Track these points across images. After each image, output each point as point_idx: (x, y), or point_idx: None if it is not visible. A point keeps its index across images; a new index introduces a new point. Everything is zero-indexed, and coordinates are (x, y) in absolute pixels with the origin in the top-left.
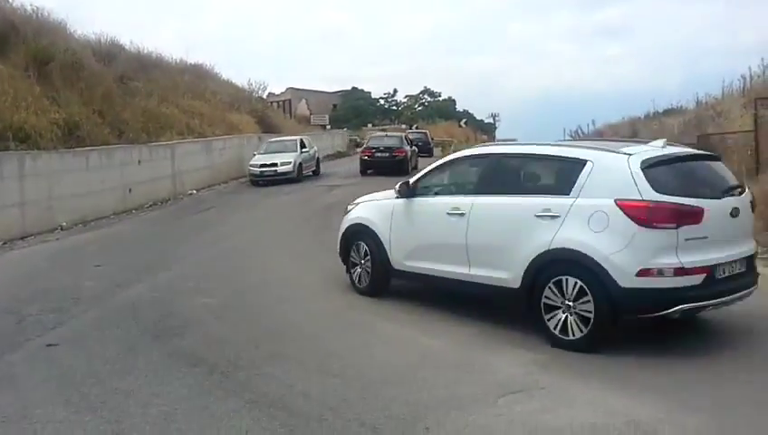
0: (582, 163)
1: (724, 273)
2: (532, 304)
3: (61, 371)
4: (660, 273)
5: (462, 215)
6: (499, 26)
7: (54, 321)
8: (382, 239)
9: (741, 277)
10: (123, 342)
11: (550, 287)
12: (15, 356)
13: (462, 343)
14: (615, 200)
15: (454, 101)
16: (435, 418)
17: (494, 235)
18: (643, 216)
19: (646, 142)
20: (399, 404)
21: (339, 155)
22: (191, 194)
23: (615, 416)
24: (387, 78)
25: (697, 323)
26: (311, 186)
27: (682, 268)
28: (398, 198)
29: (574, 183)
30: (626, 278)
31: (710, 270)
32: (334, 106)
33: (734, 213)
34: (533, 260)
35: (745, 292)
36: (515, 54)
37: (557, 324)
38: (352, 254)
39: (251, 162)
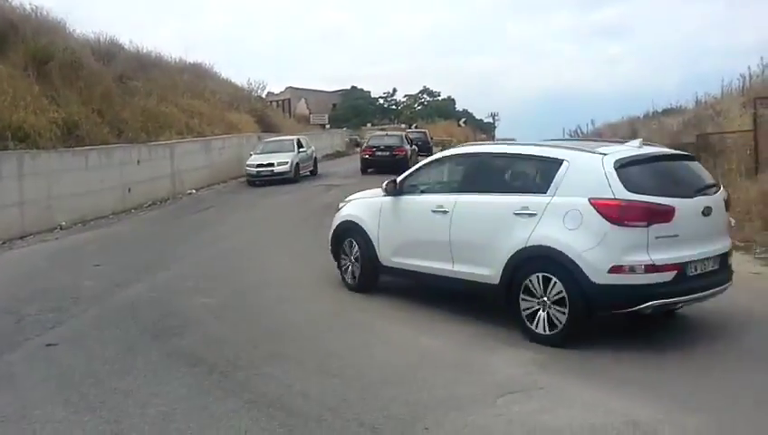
0: (559, 163)
1: (696, 270)
2: (510, 300)
3: (60, 370)
4: (632, 270)
5: (446, 213)
6: (499, 26)
7: (53, 320)
8: (371, 236)
9: (714, 274)
10: (122, 341)
11: (527, 283)
12: (14, 356)
13: (461, 343)
14: (589, 199)
15: (453, 100)
16: (434, 418)
17: (475, 232)
18: (615, 214)
19: (623, 142)
20: (399, 404)
21: (338, 154)
22: (190, 193)
23: (614, 416)
24: (386, 77)
25: (697, 323)
26: (309, 185)
27: (653, 265)
28: (385, 196)
29: (551, 182)
30: (598, 275)
31: (681, 267)
32: (334, 105)
33: (707, 212)
34: (512, 257)
35: (719, 288)
36: (515, 54)
37: (534, 320)
38: (343, 250)
39: (247, 162)
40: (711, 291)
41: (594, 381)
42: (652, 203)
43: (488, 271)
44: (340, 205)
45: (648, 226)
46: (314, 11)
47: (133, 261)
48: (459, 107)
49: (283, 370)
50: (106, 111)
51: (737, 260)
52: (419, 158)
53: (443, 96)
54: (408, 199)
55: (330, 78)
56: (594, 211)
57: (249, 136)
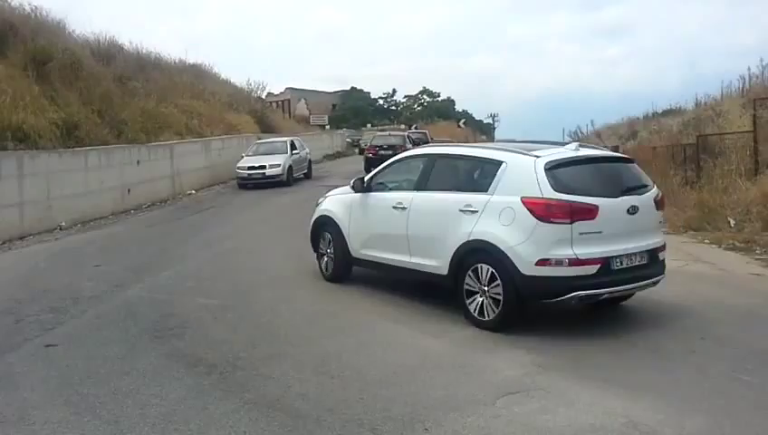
0: (499, 164)
1: (621, 264)
2: (457, 289)
3: (59, 371)
4: (558, 263)
5: (404, 209)
6: (498, 26)
7: (53, 321)
8: (343, 230)
9: (642, 268)
10: (122, 342)
11: (469, 274)
12: (14, 356)
13: (461, 344)
14: (521, 198)
15: (453, 101)
16: (434, 418)
17: (428, 227)
18: (542, 211)
19: (563, 145)
20: (398, 405)
21: (338, 155)
22: (190, 194)
23: (614, 417)
24: (386, 78)
25: (697, 325)
26: (308, 186)
27: (577, 259)
28: (354, 193)
29: (491, 181)
30: (527, 267)
31: (605, 261)
32: (333, 106)
33: (632, 211)
34: (457, 249)
35: (648, 281)
36: (515, 55)
37: (476, 307)
38: (320, 243)
39: (238, 164)
40: (639, 284)
41: (594, 382)
42: (575, 202)
43: (438, 262)
44: (320, 200)
45: (571, 223)
46: (314, 11)
47: (133, 262)
48: (459, 108)
49: (283, 370)
50: (106, 111)
51: (738, 261)
52: None
53: (442, 97)
54: (374, 196)
55: (329, 78)
56: (524, 209)
57: (249, 137)
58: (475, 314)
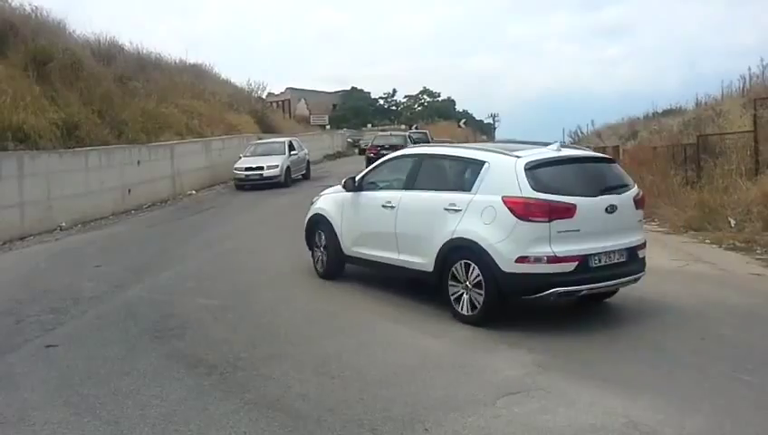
0: (482, 164)
1: (599, 262)
2: (441, 285)
3: (60, 372)
4: (536, 260)
5: (393, 207)
6: (498, 26)
7: (54, 322)
8: (335, 228)
9: (621, 266)
10: (122, 342)
11: (453, 271)
12: (14, 357)
13: (461, 344)
14: (502, 197)
15: (453, 101)
16: (434, 419)
17: (414, 225)
18: (521, 210)
19: (545, 145)
20: (398, 405)
21: (338, 155)
22: (190, 194)
23: (614, 417)
24: (386, 78)
25: (697, 325)
26: (307, 187)
27: (555, 257)
28: (346, 192)
29: (474, 181)
30: (507, 264)
31: (583, 259)
32: (334, 106)
33: (610, 209)
34: (442, 247)
35: (627, 278)
36: (515, 55)
37: (459, 302)
38: (314, 241)
39: (235, 165)
40: (618, 281)
41: (594, 382)
42: (553, 201)
43: (425, 259)
44: (314, 199)
45: (549, 221)
46: (314, 11)
47: (133, 262)
48: (459, 108)
49: (283, 371)
50: (106, 111)
51: (738, 261)
52: None
53: (443, 97)
54: (365, 195)
55: (330, 78)
56: (505, 208)
57: (249, 137)
58: (459, 310)
